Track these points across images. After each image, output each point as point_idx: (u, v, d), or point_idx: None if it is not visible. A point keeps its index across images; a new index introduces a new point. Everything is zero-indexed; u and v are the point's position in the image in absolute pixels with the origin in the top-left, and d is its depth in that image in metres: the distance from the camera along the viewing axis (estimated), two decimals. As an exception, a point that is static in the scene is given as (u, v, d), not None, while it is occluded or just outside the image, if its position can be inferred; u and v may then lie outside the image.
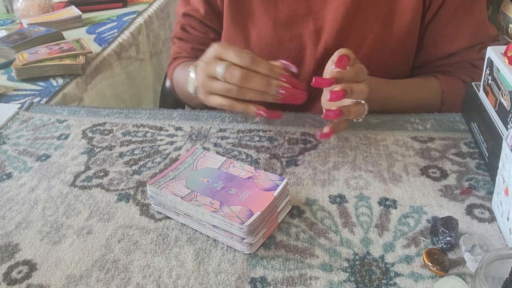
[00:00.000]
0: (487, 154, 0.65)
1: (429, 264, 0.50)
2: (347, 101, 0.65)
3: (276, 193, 0.56)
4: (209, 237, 0.56)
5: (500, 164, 0.56)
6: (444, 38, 0.81)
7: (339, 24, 0.80)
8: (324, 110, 0.64)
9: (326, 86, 0.65)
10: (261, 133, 0.76)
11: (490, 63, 0.66)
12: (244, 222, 0.52)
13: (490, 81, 0.66)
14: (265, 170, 0.67)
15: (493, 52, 0.65)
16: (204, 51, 0.88)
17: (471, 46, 0.82)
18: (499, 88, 0.63)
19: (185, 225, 0.58)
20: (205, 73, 0.66)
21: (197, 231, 0.57)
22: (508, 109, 0.60)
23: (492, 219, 0.57)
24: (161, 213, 0.61)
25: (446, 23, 0.80)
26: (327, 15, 0.81)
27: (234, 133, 0.77)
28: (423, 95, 0.83)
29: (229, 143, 0.74)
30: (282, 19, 0.82)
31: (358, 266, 0.52)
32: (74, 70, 1.14)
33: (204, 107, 0.85)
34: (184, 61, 0.93)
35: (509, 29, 0.68)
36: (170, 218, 0.60)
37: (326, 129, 0.65)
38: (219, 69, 0.64)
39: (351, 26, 0.80)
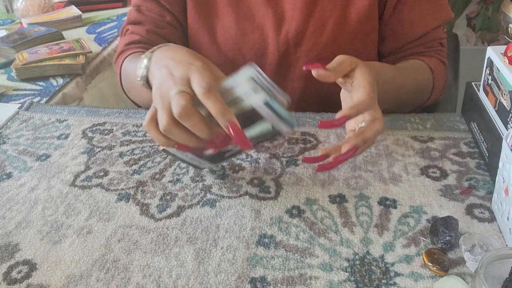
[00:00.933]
0: (487, 154, 0.65)
1: (429, 263, 0.50)
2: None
3: None
4: (209, 237, 0.56)
5: (500, 164, 0.56)
6: (412, 21, 0.83)
7: (298, 12, 0.81)
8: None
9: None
10: (261, 133, 0.76)
11: (490, 63, 0.66)
12: None
13: (490, 81, 0.67)
14: (265, 170, 0.68)
15: (493, 52, 0.65)
16: (160, 35, 0.85)
17: (437, 26, 0.85)
18: (499, 88, 0.63)
19: (185, 224, 0.58)
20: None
21: (197, 231, 0.57)
22: (508, 109, 0.60)
23: (492, 219, 0.57)
24: (161, 213, 0.61)
25: (411, 7, 0.82)
26: (286, 4, 0.82)
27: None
28: (418, 74, 0.84)
29: (229, 143, 0.74)
30: (243, 10, 0.83)
31: (358, 265, 0.52)
32: (74, 70, 1.14)
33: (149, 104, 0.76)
34: (135, 52, 0.83)
35: (509, 29, 0.69)
36: (170, 218, 0.60)
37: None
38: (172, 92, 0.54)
39: (310, 14, 0.81)
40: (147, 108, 0.78)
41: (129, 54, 0.83)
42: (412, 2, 0.82)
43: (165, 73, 0.57)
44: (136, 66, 0.66)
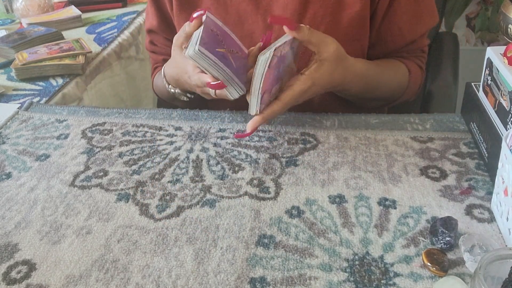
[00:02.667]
0: (486, 154, 0.65)
1: (429, 264, 0.50)
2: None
3: None
4: (209, 237, 0.56)
5: (500, 165, 0.56)
6: (400, 29, 0.84)
7: None
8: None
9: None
10: (260, 133, 0.76)
11: (490, 64, 0.66)
12: None
13: (489, 82, 0.67)
14: (264, 170, 0.68)
15: (492, 53, 0.65)
16: None
17: (424, 33, 0.86)
18: (499, 89, 0.63)
19: (184, 225, 0.58)
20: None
21: (196, 231, 0.57)
22: (508, 109, 0.60)
23: (492, 219, 0.57)
24: (160, 213, 0.61)
25: (400, 15, 0.82)
26: (275, 11, 0.82)
27: (234, 133, 0.77)
28: (394, 73, 0.86)
29: (229, 143, 0.74)
30: (232, 19, 0.83)
31: (357, 266, 0.52)
32: (73, 70, 1.14)
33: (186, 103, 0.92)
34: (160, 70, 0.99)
35: (509, 29, 0.69)
36: (169, 218, 0.60)
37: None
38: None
39: (300, 21, 0.80)
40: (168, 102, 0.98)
41: (157, 72, 0.97)
42: (402, 10, 0.82)
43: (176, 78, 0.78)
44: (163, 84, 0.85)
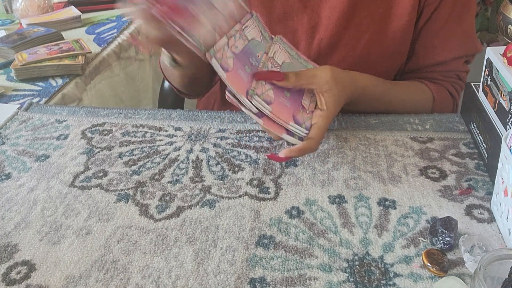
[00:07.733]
0: (486, 155, 0.65)
1: (428, 264, 0.50)
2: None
3: None
4: (209, 237, 0.56)
5: (499, 165, 0.56)
6: (434, 46, 0.83)
7: (334, 22, 0.80)
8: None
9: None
10: (260, 134, 0.76)
11: (490, 64, 0.66)
12: None
13: (489, 82, 0.67)
14: (264, 170, 0.68)
15: (492, 53, 0.65)
16: None
17: (459, 57, 0.83)
18: (498, 89, 0.63)
19: (184, 225, 0.58)
20: None
21: (196, 231, 0.57)
22: (507, 110, 0.60)
23: (491, 219, 0.57)
24: (160, 214, 0.61)
25: (436, 32, 0.81)
26: (323, 12, 0.81)
27: (234, 133, 0.77)
28: (415, 97, 0.84)
29: (229, 144, 0.74)
30: (277, 14, 0.83)
31: (357, 266, 0.52)
32: (73, 70, 1.14)
33: (183, 79, 0.87)
34: None
35: (508, 29, 0.69)
36: (169, 218, 0.60)
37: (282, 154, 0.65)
38: None
39: (346, 26, 0.80)
40: (179, 81, 0.90)
41: None
42: (438, 28, 0.81)
43: None
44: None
